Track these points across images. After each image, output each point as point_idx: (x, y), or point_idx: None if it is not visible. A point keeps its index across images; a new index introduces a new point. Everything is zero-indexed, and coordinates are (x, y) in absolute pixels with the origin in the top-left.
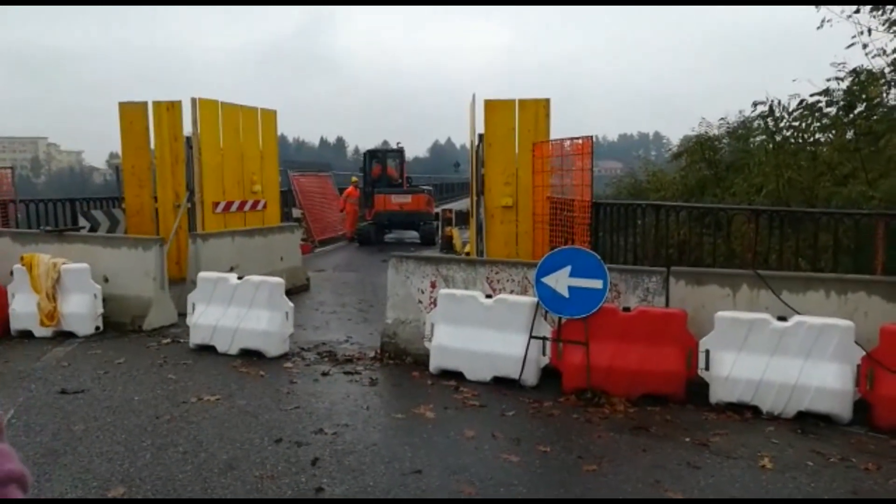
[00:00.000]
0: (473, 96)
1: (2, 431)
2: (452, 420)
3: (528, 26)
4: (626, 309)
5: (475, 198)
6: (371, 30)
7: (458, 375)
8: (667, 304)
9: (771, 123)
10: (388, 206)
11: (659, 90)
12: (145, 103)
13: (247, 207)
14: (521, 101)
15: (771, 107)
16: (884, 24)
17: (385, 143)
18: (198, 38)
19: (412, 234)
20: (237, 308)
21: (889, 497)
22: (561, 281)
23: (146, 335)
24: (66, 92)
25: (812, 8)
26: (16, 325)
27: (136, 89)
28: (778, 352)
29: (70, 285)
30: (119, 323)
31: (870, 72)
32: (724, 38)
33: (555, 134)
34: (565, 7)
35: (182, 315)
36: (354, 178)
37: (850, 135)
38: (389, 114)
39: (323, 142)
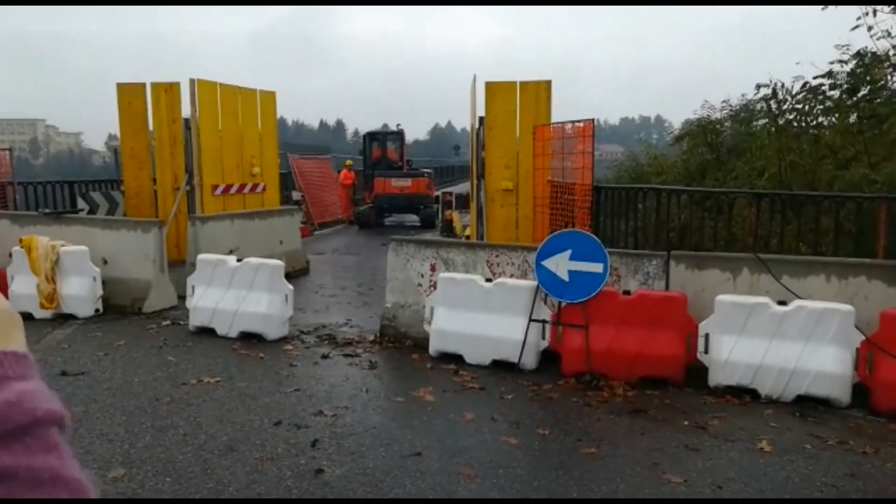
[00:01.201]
0: (474, 78)
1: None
2: (452, 403)
3: (528, 25)
4: (627, 292)
5: (475, 181)
6: (371, 14)
7: (457, 359)
8: (667, 288)
9: (774, 106)
10: (387, 190)
11: (661, 74)
12: (143, 84)
13: (246, 190)
14: (522, 84)
15: (774, 89)
16: (889, 6)
17: (385, 125)
18: (197, 24)
19: (412, 218)
20: (237, 291)
21: (885, 479)
22: (561, 264)
23: (146, 318)
24: (64, 74)
25: None
26: (15, 307)
27: (135, 74)
28: (778, 336)
29: (69, 268)
30: (119, 305)
31: (874, 54)
32: (724, 34)
33: (556, 117)
34: (564, 7)
35: (182, 298)
36: (348, 162)
37: (853, 118)
38: (389, 96)
39: (322, 124)
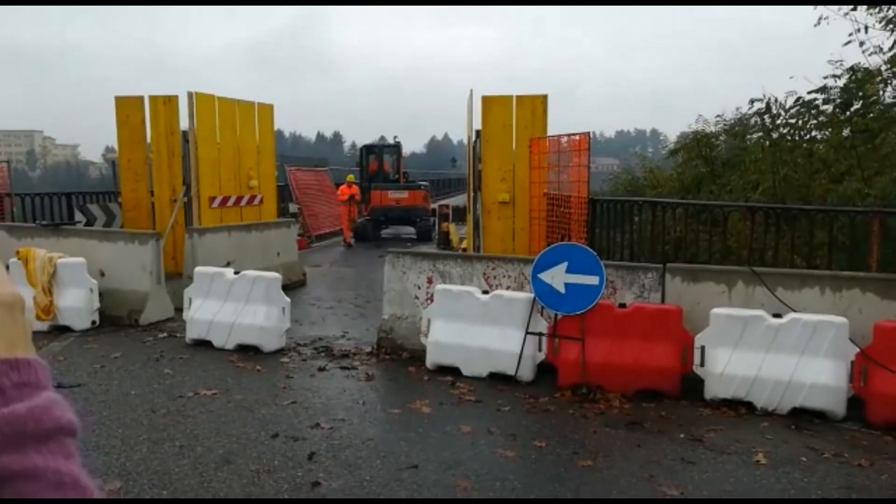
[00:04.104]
0: (471, 92)
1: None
2: (448, 415)
3: (524, 25)
4: (622, 305)
5: (472, 194)
6: (368, 25)
7: (454, 371)
8: (663, 301)
9: (768, 120)
10: (384, 202)
11: (656, 88)
12: (142, 97)
13: (243, 202)
14: (519, 98)
15: (768, 104)
16: (881, 22)
17: (382, 138)
18: (195, 34)
19: (409, 230)
20: (234, 303)
21: (881, 491)
22: (557, 277)
23: (142, 330)
24: (62, 86)
25: (810, 8)
26: None
27: (132, 84)
28: (773, 348)
29: (66, 280)
30: (115, 317)
31: (867, 69)
32: (721, 46)
33: (552, 130)
34: (564, 7)
35: (178, 310)
36: (350, 177)
37: (846, 132)
38: (386, 109)
39: (320, 136)
